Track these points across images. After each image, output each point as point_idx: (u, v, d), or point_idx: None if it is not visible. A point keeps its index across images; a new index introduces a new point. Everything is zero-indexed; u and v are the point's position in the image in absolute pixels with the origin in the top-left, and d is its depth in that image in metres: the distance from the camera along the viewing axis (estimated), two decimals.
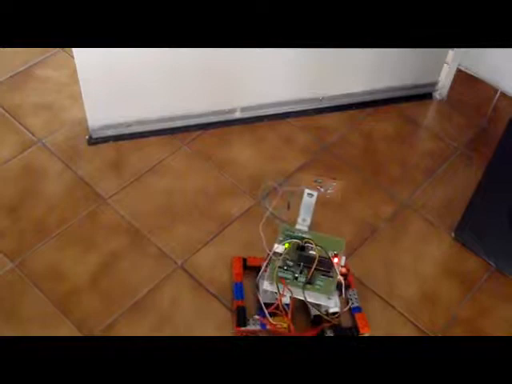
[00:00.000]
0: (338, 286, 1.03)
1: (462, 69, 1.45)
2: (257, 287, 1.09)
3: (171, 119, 1.38)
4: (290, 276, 1.01)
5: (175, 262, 1.16)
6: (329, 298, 1.01)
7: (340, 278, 1.02)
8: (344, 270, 1.05)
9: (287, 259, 1.01)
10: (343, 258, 1.04)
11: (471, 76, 1.44)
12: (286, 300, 1.04)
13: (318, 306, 1.04)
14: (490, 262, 1.19)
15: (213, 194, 1.27)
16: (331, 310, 1.05)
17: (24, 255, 1.15)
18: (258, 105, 1.41)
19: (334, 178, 1.10)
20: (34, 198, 1.24)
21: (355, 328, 1.06)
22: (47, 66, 1.51)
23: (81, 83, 1.25)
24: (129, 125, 1.35)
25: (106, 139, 1.35)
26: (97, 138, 1.35)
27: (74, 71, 1.22)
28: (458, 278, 1.17)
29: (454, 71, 1.46)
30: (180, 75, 1.30)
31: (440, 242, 1.23)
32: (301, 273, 1.01)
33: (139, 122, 1.36)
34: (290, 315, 1.03)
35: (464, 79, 1.45)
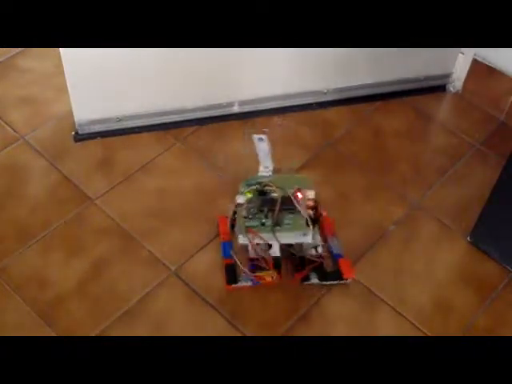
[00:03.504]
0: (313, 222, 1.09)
1: (479, 59, 1.44)
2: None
3: (164, 114, 1.37)
4: (257, 223, 1.04)
5: (168, 268, 1.15)
6: (304, 234, 1.06)
7: (308, 211, 1.07)
8: (311, 203, 1.10)
9: (250, 208, 1.05)
10: (311, 193, 1.10)
11: (488, 67, 1.43)
12: (276, 252, 1.09)
13: (300, 247, 1.09)
14: (509, 268, 1.19)
15: (209, 194, 1.27)
16: (314, 252, 1.10)
17: (5, 261, 1.14)
18: (257, 98, 1.41)
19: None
20: (15, 198, 1.24)
21: (338, 273, 1.13)
22: (30, 55, 1.50)
23: (66, 74, 1.24)
24: (118, 119, 1.35)
25: (93, 135, 1.35)
26: (83, 134, 1.34)
27: (59, 61, 1.22)
28: (474, 285, 1.17)
29: (469, 62, 1.45)
30: (174, 66, 1.29)
31: (454, 246, 1.22)
32: (266, 217, 1.05)
33: (129, 117, 1.35)
34: (271, 265, 1.08)
35: (480, 70, 1.44)
